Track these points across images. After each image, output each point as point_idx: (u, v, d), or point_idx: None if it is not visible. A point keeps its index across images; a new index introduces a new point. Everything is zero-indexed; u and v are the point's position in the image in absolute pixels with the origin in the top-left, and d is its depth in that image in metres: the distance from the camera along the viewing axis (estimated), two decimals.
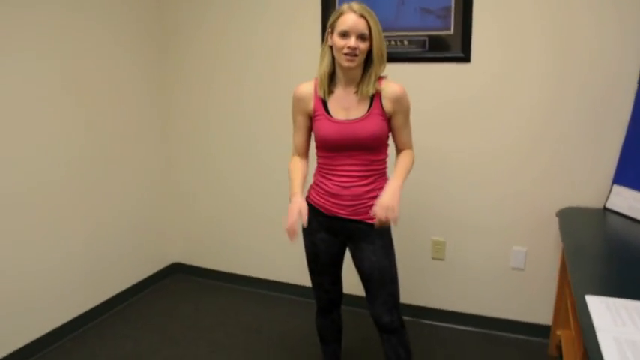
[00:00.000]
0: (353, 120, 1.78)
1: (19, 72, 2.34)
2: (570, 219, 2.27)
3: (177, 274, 3.53)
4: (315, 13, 2.78)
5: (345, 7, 1.73)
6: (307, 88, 1.87)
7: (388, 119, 1.81)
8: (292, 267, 3.16)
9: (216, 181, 3.30)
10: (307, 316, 2.91)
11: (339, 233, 1.90)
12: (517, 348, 2.58)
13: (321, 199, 1.89)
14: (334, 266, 2.00)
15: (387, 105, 1.78)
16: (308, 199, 1.93)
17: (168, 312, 3.00)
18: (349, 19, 1.69)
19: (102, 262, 2.90)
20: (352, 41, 1.68)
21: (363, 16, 1.69)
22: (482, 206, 2.61)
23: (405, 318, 2.73)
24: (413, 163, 1.87)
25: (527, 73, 2.45)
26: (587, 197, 2.42)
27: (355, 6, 1.71)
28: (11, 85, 2.31)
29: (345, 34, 1.69)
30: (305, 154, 1.97)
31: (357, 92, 1.79)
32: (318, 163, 1.91)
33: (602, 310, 1.36)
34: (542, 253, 2.57)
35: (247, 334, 2.75)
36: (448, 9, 2.50)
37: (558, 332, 2.41)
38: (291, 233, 1.74)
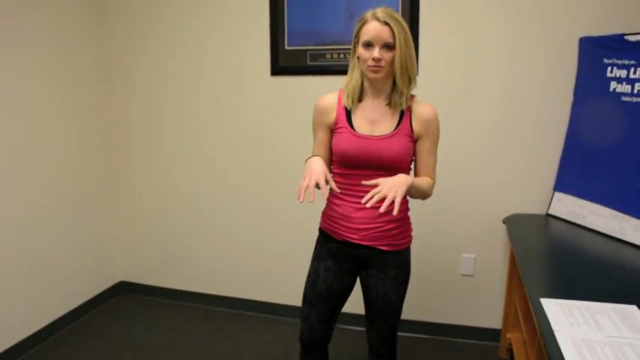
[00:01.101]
0: (377, 136, 1.64)
1: None
2: (517, 225, 2.36)
3: (124, 294, 3.39)
4: (263, 32, 2.78)
5: (368, 14, 1.61)
6: (330, 100, 1.74)
7: (415, 141, 1.69)
8: (244, 282, 3.12)
9: (162, 195, 3.20)
10: (263, 332, 2.88)
11: (349, 260, 1.76)
12: (469, 353, 2.65)
13: (332, 223, 1.76)
14: (329, 300, 1.80)
15: (417, 126, 1.67)
16: (320, 225, 1.84)
17: (116, 333, 2.86)
18: (372, 27, 1.57)
19: (40, 283, 2.73)
20: (376, 52, 1.56)
21: (387, 23, 1.56)
22: (431, 215, 2.67)
23: (352, 328, 2.77)
24: (430, 189, 1.71)
25: (472, 85, 2.54)
26: (530, 204, 2.53)
27: (379, 12, 1.58)
28: None
29: (368, 45, 1.58)
30: None
31: (388, 104, 1.66)
32: None
33: (557, 312, 1.42)
34: (491, 259, 2.66)
35: (202, 353, 2.66)
36: None
37: (508, 335, 2.50)
38: (301, 192, 1.47)
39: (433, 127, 1.69)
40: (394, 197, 1.44)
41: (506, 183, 2.57)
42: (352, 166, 1.67)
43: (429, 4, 2.52)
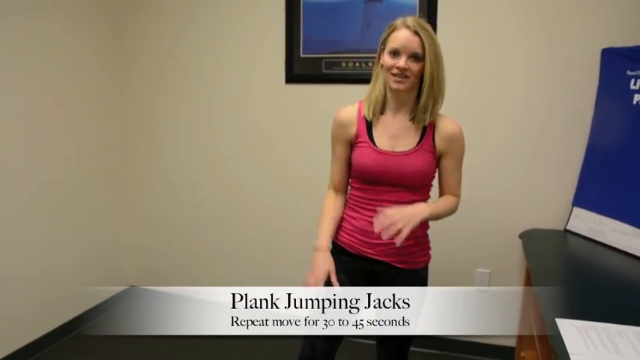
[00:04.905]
0: (399, 152, 1.59)
1: None
2: (533, 241, 2.30)
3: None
4: (279, 39, 2.76)
5: (398, 21, 1.54)
6: (350, 113, 1.67)
7: (438, 158, 1.64)
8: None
9: (174, 200, 3.19)
10: (274, 344, 2.82)
11: (363, 277, 1.69)
12: None
13: (348, 236, 1.71)
14: None
15: (440, 143, 1.60)
16: (335, 239, 1.76)
17: (124, 340, 2.83)
18: (401, 35, 1.50)
19: (49, 285, 2.72)
20: (402, 61, 1.49)
21: (417, 33, 1.49)
22: (445, 229, 2.60)
23: (364, 342, 2.71)
24: (454, 209, 1.69)
25: (489, 98, 2.49)
26: (548, 219, 2.46)
27: (410, 21, 1.51)
28: None
29: (395, 53, 1.51)
30: (342, 189, 1.76)
31: (412, 119, 1.60)
32: (350, 195, 1.72)
33: (573, 333, 1.35)
34: (506, 274, 2.59)
35: None
36: None
37: (523, 354, 2.41)
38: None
39: (458, 144, 1.63)
40: (402, 227, 1.44)
41: (524, 197, 2.51)
42: (371, 181, 1.62)
43: (447, 16, 2.48)
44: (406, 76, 1.51)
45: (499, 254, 2.58)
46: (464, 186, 2.50)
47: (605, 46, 2.25)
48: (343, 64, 2.65)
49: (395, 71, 1.51)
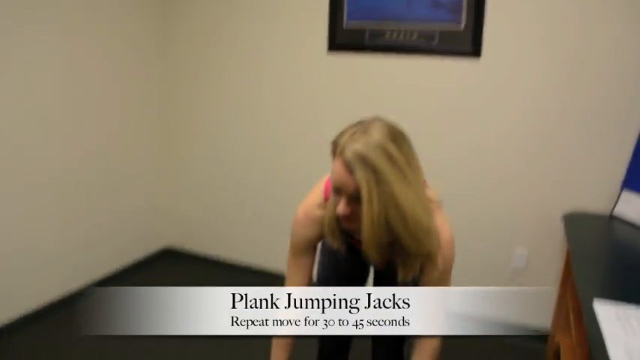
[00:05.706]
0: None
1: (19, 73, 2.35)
2: (577, 224, 2.20)
3: (169, 259, 3.43)
4: (322, 9, 2.71)
5: (342, 142, 1.10)
6: (316, 223, 1.35)
7: None
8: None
9: (213, 164, 3.24)
10: None
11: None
12: (513, 352, 2.52)
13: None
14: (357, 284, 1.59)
15: None
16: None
17: (123, 337, 2.78)
18: (335, 170, 1.11)
19: (86, 242, 2.82)
20: (341, 206, 1.12)
21: (351, 171, 1.06)
22: (484, 206, 2.55)
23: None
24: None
25: (537, 72, 2.38)
26: (593, 202, 2.36)
27: (348, 150, 1.06)
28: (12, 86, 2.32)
29: (335, 190, 1.15)
30: None
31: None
32: None
33: (611, 317, 1.30)
34: (545, 256, 2.51)
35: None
36: (460, 3, 2.43)
37: (557, 338, 2.36)
38: None
39: (443, 257, 1.26)
40: None
41: (569, 176, 2.40)
42: None
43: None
44: (353, 220, 1.15)
45: (539, 235, 2.50)
46: (507, 161, 2.41)
47: None
48: (387, 35, 2.58)
49: (339, 213, 1.15)
